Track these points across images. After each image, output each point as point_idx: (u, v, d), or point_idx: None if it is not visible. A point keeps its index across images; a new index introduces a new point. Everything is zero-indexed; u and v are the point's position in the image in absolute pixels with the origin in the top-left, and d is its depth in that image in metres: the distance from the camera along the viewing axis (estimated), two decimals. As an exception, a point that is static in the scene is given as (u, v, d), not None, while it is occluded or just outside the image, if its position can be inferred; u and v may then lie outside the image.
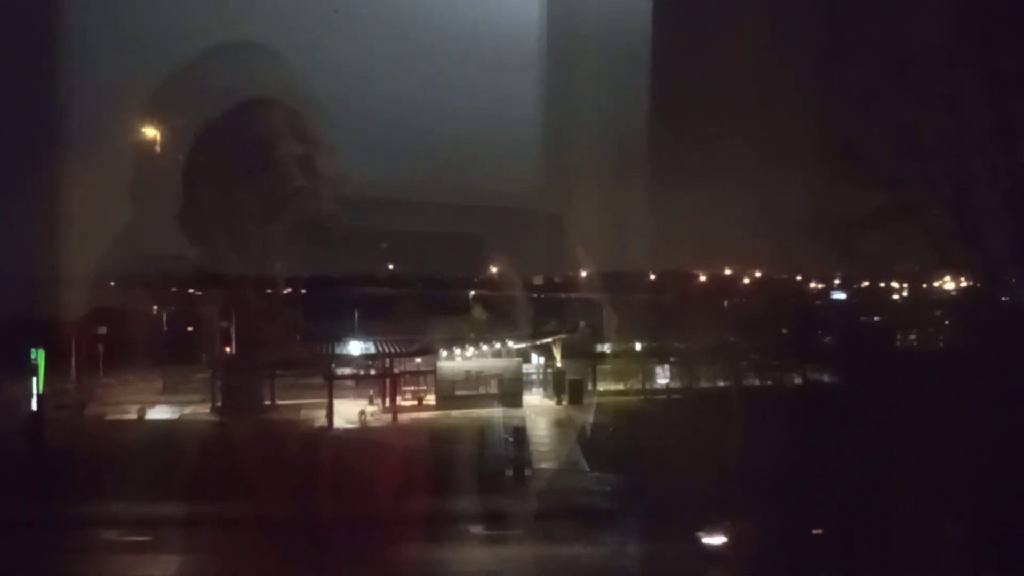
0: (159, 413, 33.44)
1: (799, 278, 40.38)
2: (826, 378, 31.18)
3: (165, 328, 39.46)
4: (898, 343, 30.69)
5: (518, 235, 35.81)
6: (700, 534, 18.20)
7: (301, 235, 29.11)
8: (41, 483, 21.99)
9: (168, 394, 36.54)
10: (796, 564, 16.75)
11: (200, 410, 33.60)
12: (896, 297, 33.76)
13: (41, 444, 26.76)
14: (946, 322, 29.77)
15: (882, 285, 34.36)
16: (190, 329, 38.77)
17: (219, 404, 33.14)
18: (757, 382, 32.26)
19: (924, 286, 31.71)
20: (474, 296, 40.13)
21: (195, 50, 27.34)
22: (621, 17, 31.38)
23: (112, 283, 34.06)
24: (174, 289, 35.43)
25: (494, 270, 40.05)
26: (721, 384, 33.26)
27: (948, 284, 30.37)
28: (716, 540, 18.08)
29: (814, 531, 17.84)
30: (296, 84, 28.00)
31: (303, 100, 28.21)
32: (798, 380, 32.04)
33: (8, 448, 25.19)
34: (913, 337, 31.49)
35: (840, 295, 38.28)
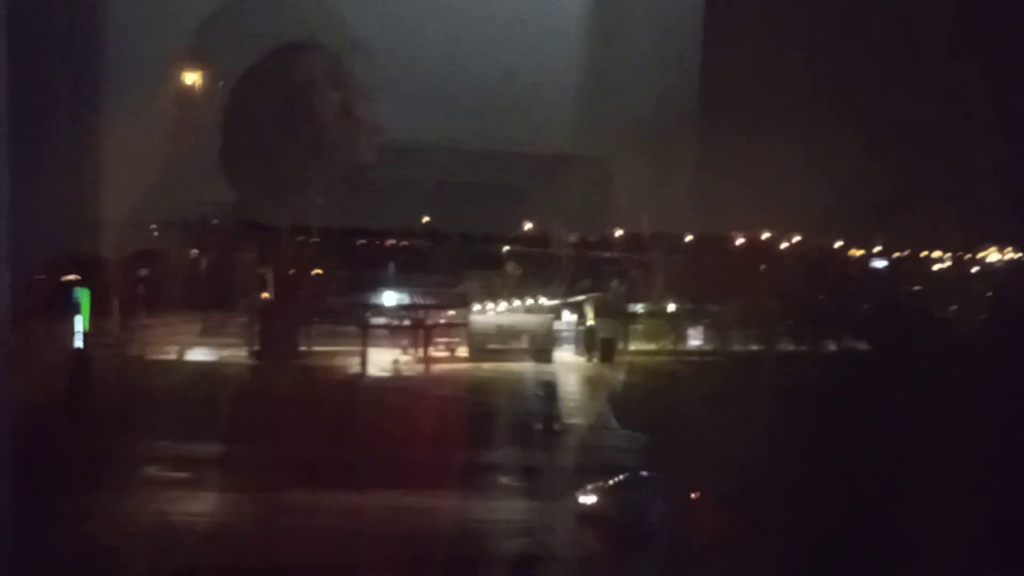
0: (198, 355, 34.17)
1: (839, 244, 39.77)
2: (862, 346, 30.94)
3: (204, 273, 39.98)
4: (935, 314, 30.30)
5: (558, 189, 35.64)
6: (578, 494, 18.10)
7: (338, 183, 29.19)
8: (86, 419, 22.71)
9: (206, 337, 37.24)
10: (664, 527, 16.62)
11: (237, 354, 34.27)
12: (937, 268, 33.21)
13: (86, 381, 27.56)
14: (988, 294, 29.28)
15: (924, 255, 33.80)
16: (229, 274, 39.28)
17: (256, 349, 33.78)
18: (791, 347, 32.10)
19: (967, 257, 31.15)
20: (509, 251, 40.15)
21: None
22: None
23: (154, 226, 34.58)
24: (214, 234, 35.85)
25: (529, 226, 39.98)
26: (754, 348, 33.15)
27: (992, 256, 29.80)
28: (590, 500, 17.97)
29: (692, 495, 17.60)
30: (340, 25, 27.73)
31: (346, 43, 27.91)
32: (833, 347, 31.83)
33: (54, 383, 25.94)
34: (954, 308, 31.04)
35: (880, 263, 37.69)
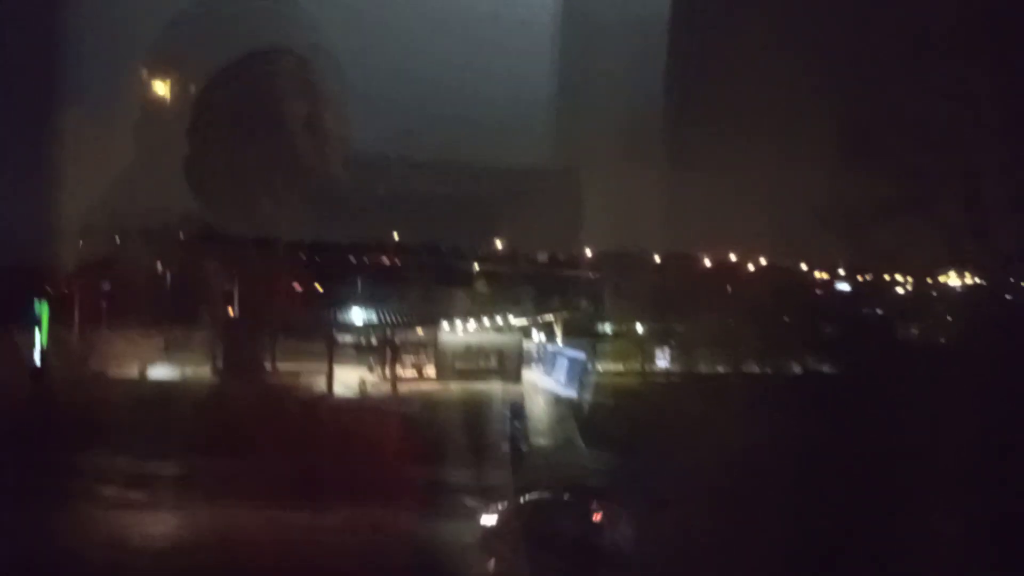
0: (160, 372, 33.54)
1: (804, 267, 40.31)
2: (826, 368, 31.24)
3: (168, 286, 39.37)
4: (899, 336, 30.73)
5: (526, 208, 35.69)
6: (482, 514, 18.07)
7: (305, 196, 28.85)
8: (43, 436, 22.13)
9: (169, 352, 36.60)
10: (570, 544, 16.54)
11: (200, 370, 33.69)
12: (900, 290, 33.76)
13: (44, 397, 26.91)
14: (948, 317, 29.80)
15: (886, 278, 34.34)
16: (193, 289, 38.70)
17: (220, 365, 33.25)
18: (756, 369, 32.32)
19: (928, 280, 31.72)
20: (478, 269, 40.09)
21: None
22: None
23: (117, 238, 34.02)
24: (178, 248, 35.36)
25: (499, 244, 39.98)
26: (720, 370, 33.31)
27: (953, 280, 30.38)
28: (490, 520, 17.91)
29: (594, 517, 17.52)
30: (308, 32, 27.41)
31: (314, 50, 27.58)
32: (798, 369, 32.10)
33: (10, 401, 25.29)
34: (915, 331, 31.52)
35: (844, 286, 38.24)
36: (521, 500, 18.23)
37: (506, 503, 18.27)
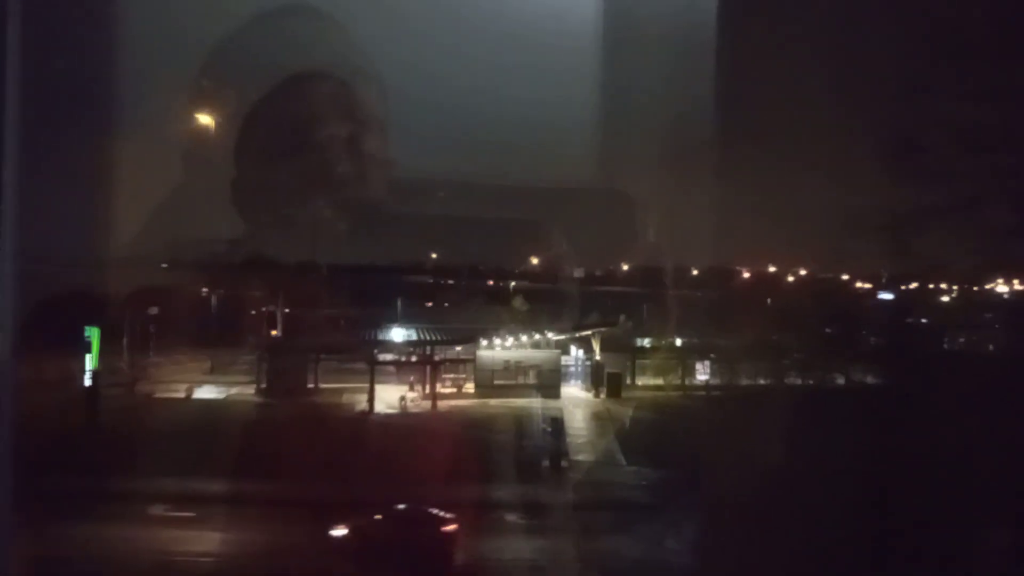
0: (206, 393, 34.25)
1: (845, 277, 39.68)
2: (870, 379, 30.65)
3: (214, 310, 40.26)
4: (946, 346, 30.04)
5: (567, 222, 35.68)
6: (331, 528, 18.31)
7: (347, 218, 29.20)
8: (95, 458, 22.69)
9: (215, 375, 37.39)
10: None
11: (246, 391, 34.35)
12: (945, 299, 33.03)
13: (95, 420, 27.62)
14: (996, 326, 29.08)
15: (931, 286, 33.63)
16: (238, 311, 39.52)
17: (264, 386, 33.83)
18: (799, 381, 31.83)
19: (975, 288, 30.99)
20: (516, 286, 40.25)
21: (244, 17, 27.16)
22: (680, 5, 31.02)
23: (164, 265, 34.85)
24: (224, 272, 36.12)
25: (536, 261, 40.09)
26: (762, 382, 32.89)
27: (1000, 287, 29.64)
28: (339, 533, 18.22)
29: (444, 528, 18.14)
30: (352, 56, 27.70)
31: (356, 73, 27.84)
32: (841, 380, 31.54)
33: (64, 423, 26.00)
34: (962, 340, 30.82)
35: (887, 295, 37.53)
36: (376, 514, 18.68)
37: (360, 516, 18.64)
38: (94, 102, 27.52)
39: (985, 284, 30.80)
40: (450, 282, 38.69)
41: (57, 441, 21.47)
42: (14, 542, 9.99)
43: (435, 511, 18.73)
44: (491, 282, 40.32)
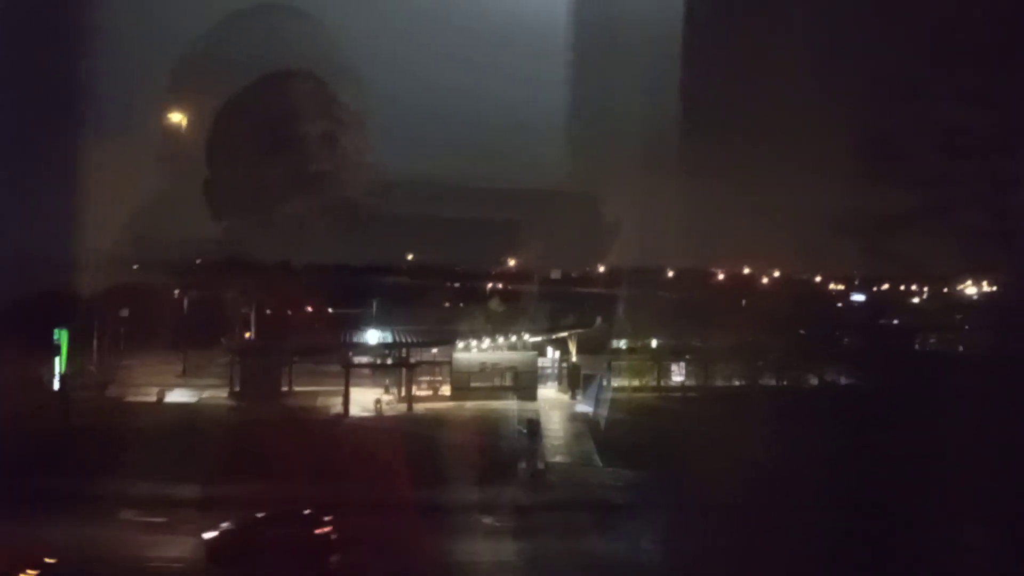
0: (178, 396, 33.76)
1: (819, 279, 40.08)
2: (843, 380, 30.96)
3: (186, 311, 39.74)
4: (917, 346, 30.44)
5: (543, 224, 35.67)
6: (205, 532, 18.64)
7: (323, 218, 28.87)
8: (63, 461, 22.32)
9: (188, 377, 36.87)
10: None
11: (218, 394, 33.89)
12: (917, 300, 33.46)
13: (64, 423, 27.13)
14: (966, 327, 29.51)
15: (902, 288, 34.06)
16: (212, 313, 39.03)
17: (237, 389, 33.43)
18: (774, 382, 32.09)
19: (945, 290, 31.43)
20: (492, 288, 40.15)
21: (223, 13, 26.85)
22: (653, 9, 31.17)
23: (135, 266, 34.37)
24: (196, 273, 35.65)
25: (513, 262, 40.03)
26: (737, 383, 33.10)
27: (969, 288, 30.09)
28: (210, 535, 18.55)
29: (317, 531, 18.54)
30: (329, 55, 27.36)
31: (334, 73, 27.53)
32: (815, 381, 31.85)
33: (32, 426, 25.52)
34: (933, 340, 31.24)
35: (860, 297, 37.96)
36: (253, 516, 18.96)
37: (234, 519, 18.91)
38: (66, 102, 27.11)
39: (956, 286, 31.30)
40: (426, 284, 38.46)
41: (22, 445, 21.06)
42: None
43: (311, 513, 18.97)
44: (468, 283, 40.16)
